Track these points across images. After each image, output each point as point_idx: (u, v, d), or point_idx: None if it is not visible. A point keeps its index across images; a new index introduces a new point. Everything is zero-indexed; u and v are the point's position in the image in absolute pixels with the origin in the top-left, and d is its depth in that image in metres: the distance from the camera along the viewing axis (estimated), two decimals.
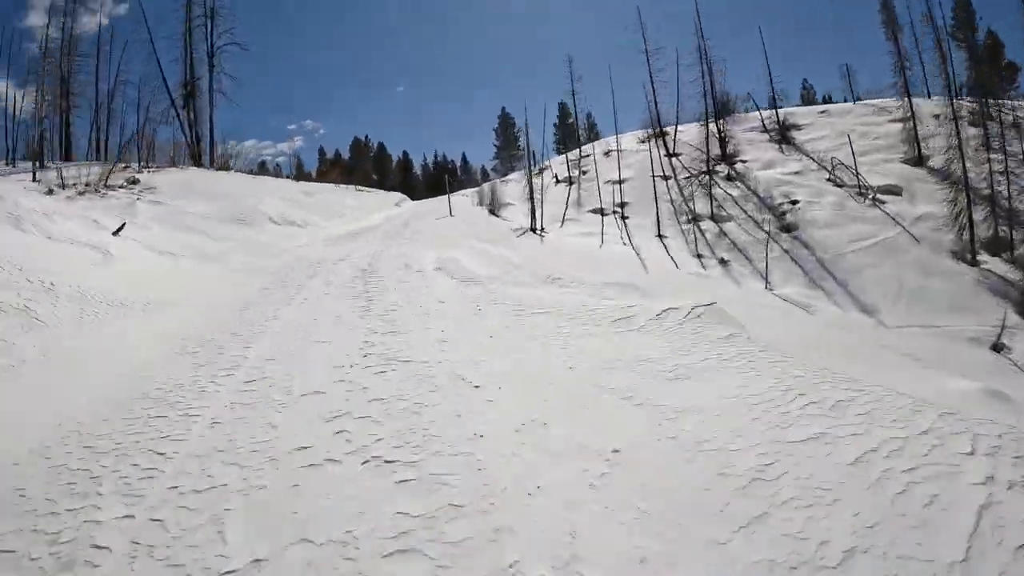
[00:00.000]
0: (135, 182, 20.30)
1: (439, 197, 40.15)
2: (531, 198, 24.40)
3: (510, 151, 61.84)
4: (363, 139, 71.00)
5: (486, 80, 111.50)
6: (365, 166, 64.03)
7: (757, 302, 16.51)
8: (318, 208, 23.13)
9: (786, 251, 22.69)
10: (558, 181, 36.97)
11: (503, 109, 63.98)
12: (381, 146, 71.56)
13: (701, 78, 33.59)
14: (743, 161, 32.66)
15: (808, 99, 62.43)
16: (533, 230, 22.67)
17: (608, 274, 14.20)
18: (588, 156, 39.44)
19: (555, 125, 64.98)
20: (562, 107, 65.87)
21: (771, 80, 36.95)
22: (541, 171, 41.63)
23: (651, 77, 35.87)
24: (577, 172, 36.28)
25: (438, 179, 67.89)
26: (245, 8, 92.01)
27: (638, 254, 20.79)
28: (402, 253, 14.75)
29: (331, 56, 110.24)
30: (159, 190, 19.91)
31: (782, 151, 34.20)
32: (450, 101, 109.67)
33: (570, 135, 67.26)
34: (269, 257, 15.12)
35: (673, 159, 34.65)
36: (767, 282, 18.85)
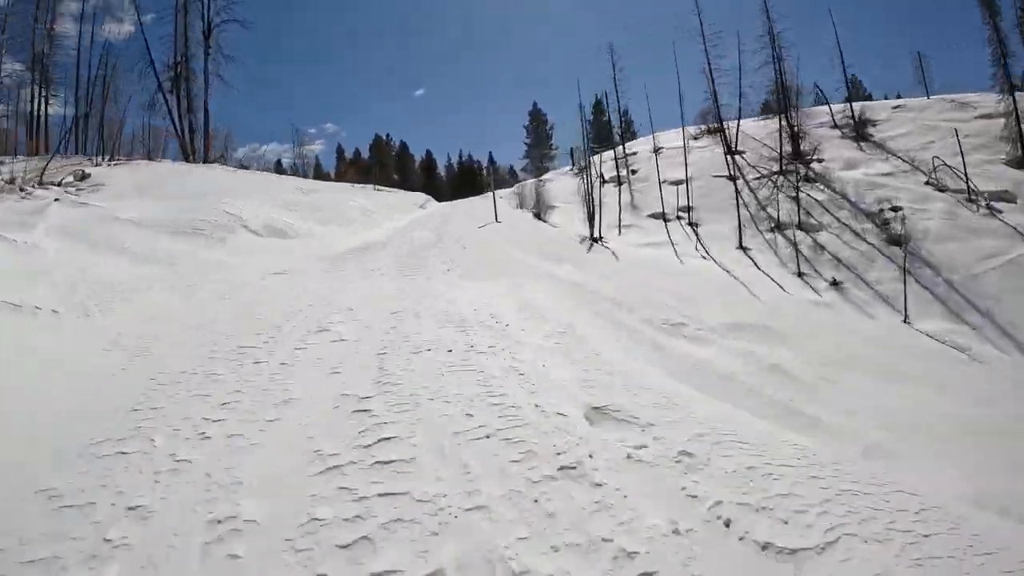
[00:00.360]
0: (84, 178, 16.32)
1: (469, 199, 36.31)
2: (588, 201, 20.51)
3: (542, 150, 57.86)
4: (384, 137, 67.74)
5: (512, 80, 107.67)
6: (387, 166, 60.60)
7: (903, 344, 12.47)
8: (317, 211, 17.08)
9: (905, 270, 18.49)
10: (604, 181, 33.01)
11: (534, 104, 60.17)
12: (403, 145, 68.14)
13: (773, 65, 29.19)
14: (819, 160, 28.44)
15: (857, 95, 57.74)
16: (594, 239, 18.74)
17: (725, 311, 10.34)
18: (635, 154, 35.45)
19: (588, 122, 61.09)
20: (596, 103, 61.89)
21: (844, 69, 32.50)
22: (581, 170, 37.78)
23: (709, 65, 31.76)
24: (626, 171, 32.29)
25: (464, 180, 64.10)
26: (263, 10, 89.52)
27: (729, 272, 16.77)
28: (447, 299, 8.36)
29: (351, 59, 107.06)
30: (105, 188, 15.52)
31: (862, 149, 29.86)
32: (474, 100, 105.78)
33: (604, 132, 63.41)
34: (203, 301, 8.74)
35: (735, 157, 30.51)
36: (905, 315, 14.70)
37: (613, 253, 15.66)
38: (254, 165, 31.74)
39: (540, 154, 57.52)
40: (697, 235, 22.10)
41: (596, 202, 20.26)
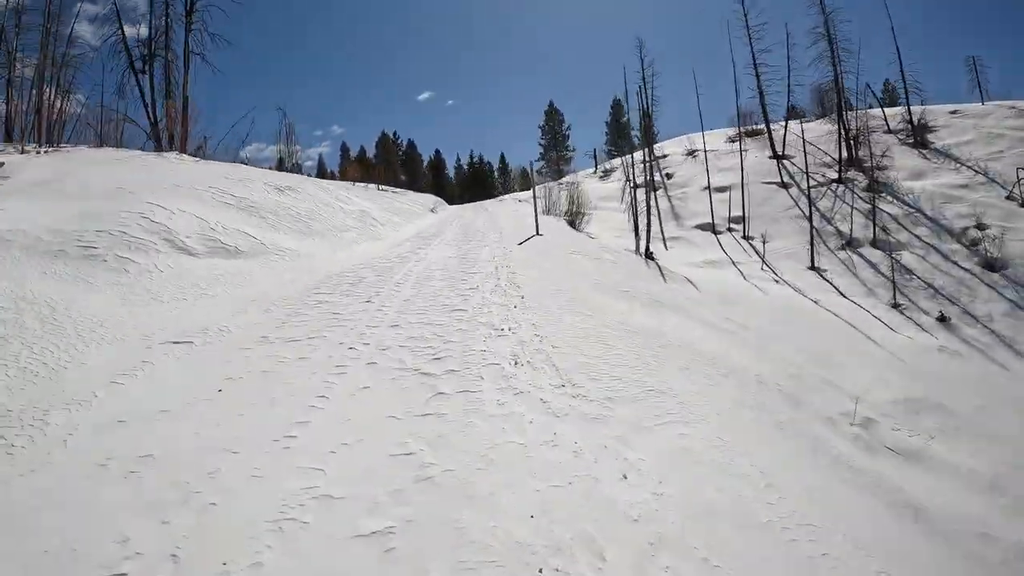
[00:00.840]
0: None
1: (482, 202, 33.29)
2: (636, 211, 17.42)
3: (558, 151, 54.77)
4: (391, 135, 64.63)
5: (526, 80, 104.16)
6: (393, 165, 57.60)
7: None
8: (294, 216, 12.17)
9: (1017, 304, 15.40)
10: (635, 186, 29.98)
11: (550, 103, 57.00)
12: (411, 144, 64.98)
13: (831, 61, 26.04)
14: (880, 168, 25.35)
15: (892, 100, 54.53)
16: (647, 256, 15.67)
17: (875, 376, 7.34)
18: (665, 156, 32.40)
19: (606, 123, 58.00)
20: (614, 104, 58.84)
21: (901, 68, 29.28)
22: (606, 173, 34.82)
23: (754, 59, 28.67)
24: (660, 176, 29.23)
25: (474, 180, 61.04)
26: (268, 12, 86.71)
27: (819, 304, 13.71)
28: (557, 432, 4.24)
29: (360, 62, 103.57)
30: (9, 181, 11.55)
31: (925, 157, 26.78)
32: (485, 100, 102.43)
33: (623, 135, 60.34)
34: None
35: (784, 162, 27.43)
36: None
37: (689, 280, 12.44)
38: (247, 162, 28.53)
39: (556, 156, 54.45)
40: (756, 251, 19.00)
41: (646, 210, 17.16)
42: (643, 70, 37.37)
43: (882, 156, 23.95)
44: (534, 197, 16.82)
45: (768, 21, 45.94)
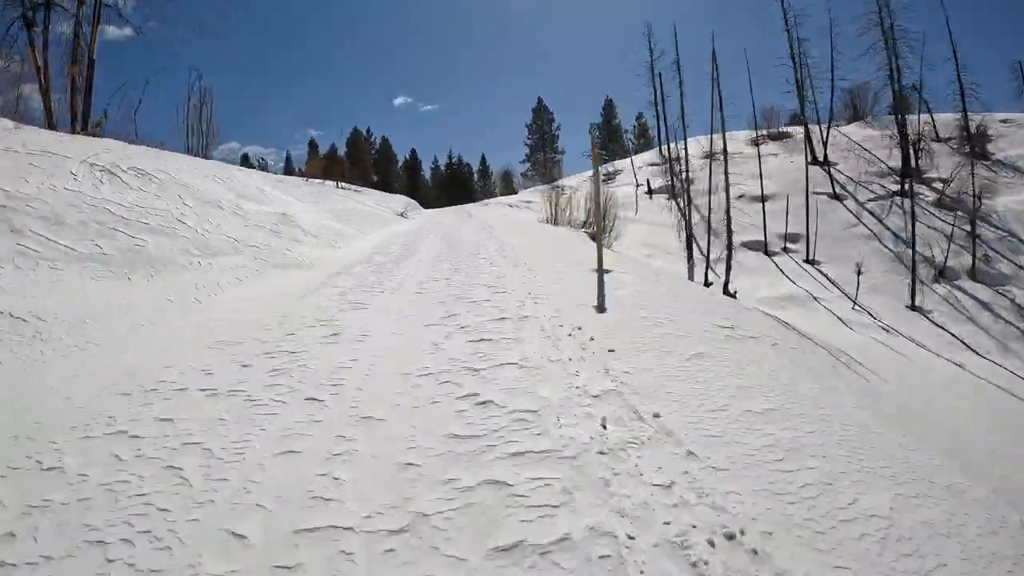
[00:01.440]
0: None
1: (463, 206, 28.27)
2: (688, 227, 12.78)
3: (546, 152, 49.98)
4: (364, 132, 59.05)
5: (511, 79, 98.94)
6: (364, 163, 52.25)
7: None
8: (128, 222, 6.82)
9: None
10: (651, 191, 25.33)
11: (538, 100, 52.15)
12: (385, 142, 59.51)
13: (888, 54, 21.80)
14: (944, 180, 21.20)
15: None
16: (726, 291, 10.89)
17: None
18: (678, 159, 27.86)
19: (597, 126, 53.47)
20: (607, 104, 54.47)
21: (957, 68, 25.22)
22: (609, 176, 30.15)
23: (792, 49, 24.26)
24: (681, 183, 24.66)
25: (453, 182, 55.88)
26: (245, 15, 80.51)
27: (977, 376, 9.06)
28: None
29: (338, 64, 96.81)
30: None
31: (992, 170, 22.73)
32: (468, 100, 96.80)
33: (615, 138, 55.72)
34: None
35: (825, 169, 23.10)
36: None
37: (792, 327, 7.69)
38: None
39: (544, 158, 49.70)
40: (828, 278, 14.44)
41: (693, 228, 12.41)
42: (652, 61, 33.18)
43: (960, 169, 19.67)
44: (599, 251, 11.84)
45: (807, 6, 41.48)
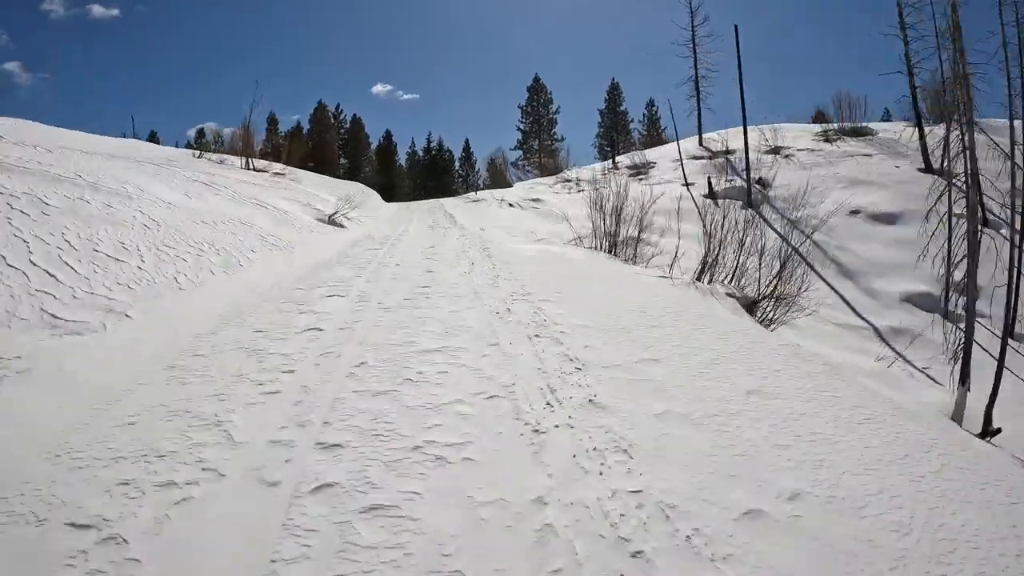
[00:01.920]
0: None
1: (445, 202, 21.14)
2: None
3: (542, 138, 42.72)
4: (333, 109, 50.99)
5: (498, 70, 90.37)
6: (326, 144, 44.53)
7: None
8: None
9: None
10: (712, 195, 18.55)
11: (535, 77, 44.40)
12: (357, 122, 51.53)
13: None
14: None
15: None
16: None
17: None
18: (732, 152, 21.24)
19: (600, 112, 46.66)
20: (612, 88, 47.55)
21: None
22: (639, 170, 23.32)
23: (901, 17, 17.60)
24: (735, 177, 17.96)
25: (432, 171, 48.62)
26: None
27: None
28: None
29: (311, 47, 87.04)
30: None
31: None
32: (448, 95, 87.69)
33: (621, 128, 48.77)
34: None
35: (940, 178, 16.75)
36: None
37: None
38: None
39: (540, 145, 42.65)
40: None
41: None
42: (692, 26, 26.44)
43: None
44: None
45: None
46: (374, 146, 52.44)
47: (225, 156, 16.34)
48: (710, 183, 17.85)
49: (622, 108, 47.15)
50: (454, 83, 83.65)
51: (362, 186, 21.47)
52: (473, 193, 20.91)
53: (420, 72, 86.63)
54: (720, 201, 18.21)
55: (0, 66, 65.06)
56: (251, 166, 15.60)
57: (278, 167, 17.30)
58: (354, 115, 51.69)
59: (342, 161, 51.13)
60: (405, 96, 79.36)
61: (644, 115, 47.85)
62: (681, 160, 20.30)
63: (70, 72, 70.41)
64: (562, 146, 43.46)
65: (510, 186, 26.08)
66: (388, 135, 52.45)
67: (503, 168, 38.44)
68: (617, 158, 25.33)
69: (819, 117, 28.36)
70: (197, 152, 15.89)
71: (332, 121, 49.41)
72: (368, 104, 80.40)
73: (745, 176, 17.52)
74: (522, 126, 43.91)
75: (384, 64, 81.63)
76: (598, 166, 24.93)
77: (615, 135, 45.82)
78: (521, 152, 43.26)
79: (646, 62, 79.25)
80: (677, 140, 22.97)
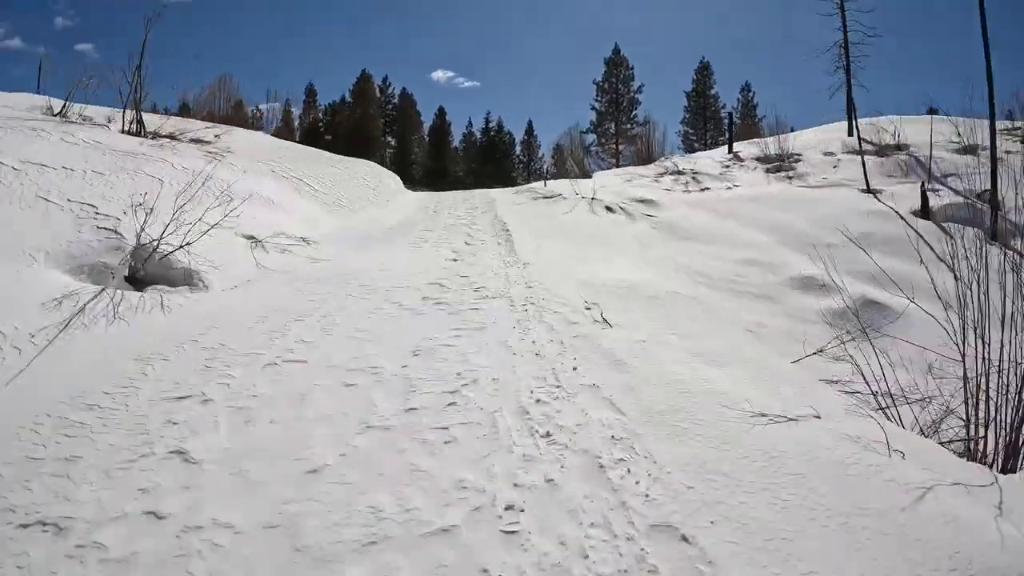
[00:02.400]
0: None
1: (509, 193, 14.87)
2: None
3: (620, 121, 36.01)
4: (382, 81, 45.63)
5: (566, 53, 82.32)
6: (372, 118, 39.29)
7: None
8: None
9: None
10: (927, 211, 11.89)
11: (615, 48, 37.55)
12: (407, 97, 46.03)
13: None
14: None
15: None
16: None
17: None
18: (901, 148, 14.58)
19: (687, 95, 39.70)
20: (700, 70, 40.39)
21: None
22: (735, 157, 16.82)
23: None
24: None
25: (488, 155, 42.78)
26: None
27: None
28: None
29: (371, 28, 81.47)
30: None
31: None
32: (514, 82, 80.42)
33: (710, 114, 41.39)
34: None
35: None
36: None
37: None
38: None
39: (617, 128, 36.09)
40: None
41: None
42: None
43: None
44: None
45: None
46: (428, 126, 47.12)
47: (112, 112, 10.73)
48: (924, 196, 11.17)
49: (713, 91, 40.08)
50: (516, 69, 77.08)
51: (381, 170, 15.88)
52: (540, 184, 14.97)
53: (481, 58, 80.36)
54: (946, 225, 11.65)
55: None
56: (139, 130, 10.10)
57: (199, 130, 11.72)
58: (403, 89, 46.33)
59: (389, 140, 46.17)
60: (465, 83, 73.72)
61: (738, 100, 40.59)
62: (862, 155, 13.54)
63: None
64: (656, 127, 36.49)
65: (587, 176, 19.87)
66: (441, 112, 46.86)
67: (578, 153, 31.41)
68: (735, 145, 18.68)
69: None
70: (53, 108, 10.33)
71: (377, 94, 44.20)
72: (428, 91, 75.43)
73: (985, 190, 10.88)
74: (597, 105, 37.32)
75: (445, 49, 76.19)
76: (714, 155, 18.44)
77: (706, 122, 38.92)
78: (595, 136, 36.73)
79: (736, 43, 69.74)
80: (852, 122, 16.18)
